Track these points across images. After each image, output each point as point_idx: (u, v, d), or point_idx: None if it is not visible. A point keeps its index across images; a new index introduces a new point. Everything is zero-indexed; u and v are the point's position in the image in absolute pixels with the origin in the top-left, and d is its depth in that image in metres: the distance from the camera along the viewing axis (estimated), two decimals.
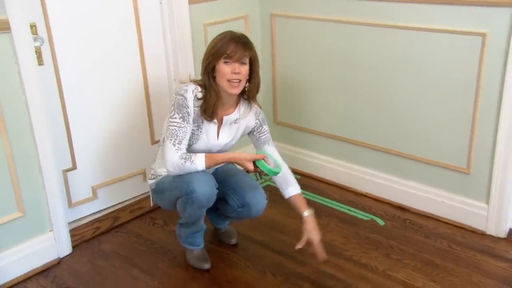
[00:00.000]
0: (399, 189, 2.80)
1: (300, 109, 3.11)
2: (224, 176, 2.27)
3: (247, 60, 2.08)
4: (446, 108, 2.50)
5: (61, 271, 2.35)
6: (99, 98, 2.57)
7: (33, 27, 2.23)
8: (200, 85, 2.12)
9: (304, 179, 3.13)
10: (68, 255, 2.46)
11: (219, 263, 2.37)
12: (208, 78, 2.10)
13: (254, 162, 2.06)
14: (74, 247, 2.49)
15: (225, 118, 2.17)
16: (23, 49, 2.12)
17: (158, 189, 2.26)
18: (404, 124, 2.68)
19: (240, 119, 2.22)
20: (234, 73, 2.05)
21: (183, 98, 2.07)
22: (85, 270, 2.35)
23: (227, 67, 2.05)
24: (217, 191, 2.12)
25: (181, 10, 2.68)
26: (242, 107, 2.22)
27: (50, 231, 2.38)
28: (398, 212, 2.75)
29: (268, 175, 2.08)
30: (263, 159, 2.05)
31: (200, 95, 2.10)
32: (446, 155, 2.57)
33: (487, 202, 2.50)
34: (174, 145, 2.06)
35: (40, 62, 2.28)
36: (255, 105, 2.25)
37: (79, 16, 2.41)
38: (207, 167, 2.08)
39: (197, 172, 2.07)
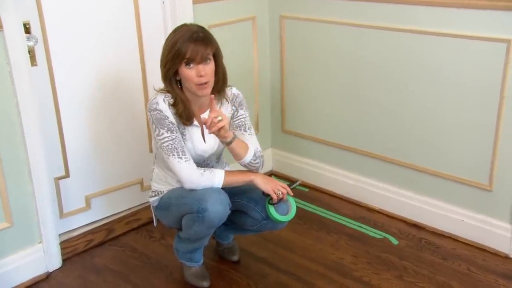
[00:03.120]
0: (415, 206, 2.70)
1: (309, 117, 3.04)
2: (242, 187, 2.14)
3: (210, 57, 1.97)
4: (466, 119, 2.43)
5: (49, 287, 2.28)
6: (96, 102, 2.51)
7: (26, 25, 2.18)
8: (168, 92, 2.03)
9: (312, 192, 3.05)
10: (58, 269, 2.39)
11: (219, 281, 2.29)
12: (171, 85, 2.00)
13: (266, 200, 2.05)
14: (64, 260, 2.43)
15: (202, 117, 2.06)
16: (15, 49, 2.09)
17: (162, 205, 2.16)
18: (421, 136, 2.60)
19: None
20: (200, 76, 1.94)
21: (159, 112, 1.99)
22: (74, 286, 2.29)
23: (191, 71, 1.94)
24: (230, 211, 2.03)
25: (185, 10, 2.60)
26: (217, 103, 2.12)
27: (39, 243, 2.33)
28: (413, 231, 2.66)
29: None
30: (272, 201, 2.03)
31: (172, 101, 2.02)
32: (466, 170, 2.49)
33: (511, 222, 2.40)
34: (180, 157, 1.99)
35: (34, 63, 2.24)
36: (229, 95, 2.12)
37: (76, 15, 2.36)
38: (225, 185, 2.01)
39: (210, 188, 2.00)
